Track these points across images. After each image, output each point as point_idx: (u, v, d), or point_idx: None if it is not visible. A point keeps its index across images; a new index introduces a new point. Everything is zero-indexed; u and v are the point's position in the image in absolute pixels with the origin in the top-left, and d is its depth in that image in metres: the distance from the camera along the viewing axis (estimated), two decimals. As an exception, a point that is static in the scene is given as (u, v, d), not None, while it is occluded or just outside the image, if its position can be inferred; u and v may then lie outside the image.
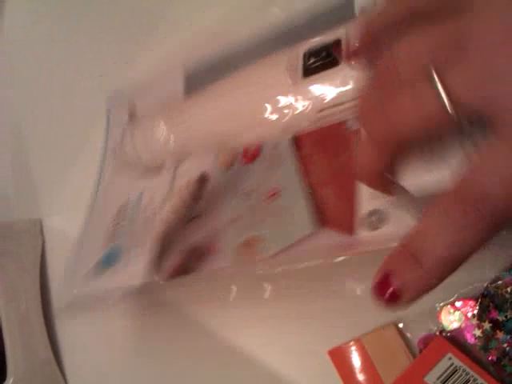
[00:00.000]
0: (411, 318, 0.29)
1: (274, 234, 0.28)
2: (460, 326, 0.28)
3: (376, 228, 0.24)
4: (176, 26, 0.40)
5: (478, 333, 0.27)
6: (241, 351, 0.35)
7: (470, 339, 0.27)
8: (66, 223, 0.45)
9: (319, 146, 0.28)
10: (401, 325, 0.29)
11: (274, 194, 0.28)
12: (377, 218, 0.24)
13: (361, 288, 0.31)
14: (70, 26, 0.50)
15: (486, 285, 0.27)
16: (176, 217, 0.32)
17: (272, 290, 0.34)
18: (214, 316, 0.37)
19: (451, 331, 0.28)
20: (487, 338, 0.27)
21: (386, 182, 0.21)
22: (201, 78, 0.33)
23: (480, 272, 0.27)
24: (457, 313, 0.28)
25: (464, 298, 0.28)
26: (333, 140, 0.27)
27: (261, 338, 0.35)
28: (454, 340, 0.27)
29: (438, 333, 0.28)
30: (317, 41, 0.28)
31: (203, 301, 0.37)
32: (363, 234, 0.25)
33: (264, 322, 0.34)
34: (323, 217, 0.27)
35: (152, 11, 0.43)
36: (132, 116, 0.36)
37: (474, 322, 0.27)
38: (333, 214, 0.26)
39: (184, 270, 0.31)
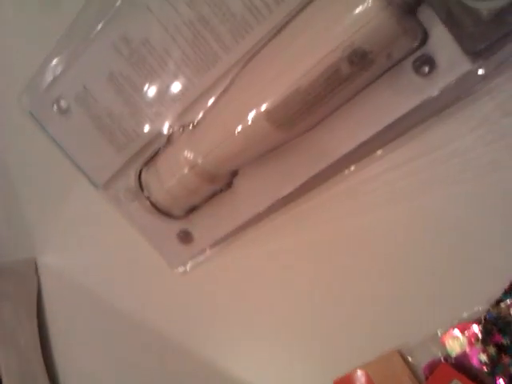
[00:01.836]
0: (415, 344, 0.29)
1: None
2: (465, 351, 0.27)
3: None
4: None
5: (483, 358, 0.27)
6: (243, 381, 0.35)
7: (476, 364, 0.27)
8: (60, 260, 0.45)
9: None
10: (405, 351, 0.29)
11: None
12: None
13: (362, 314, 0.30)
14: None
15: (487, 308, 0.27)
16: None
17: (274, 316, 0.33)
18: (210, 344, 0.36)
19: (456, 356, 0.28)
20: (493, 362, 0.26)
21: None
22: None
23: (481, 295, 0.27)
24: (460, 337, 0.28)
25: (466, 321, 0.27)
26: None
27: (263, 366, 0.34)
28: (460, 365, 0.27)
29: (442, 358, 0.28)
30: None
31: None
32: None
33: (267, 350, 0.34)
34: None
35: None
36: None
37: (479, 346, 0.27)
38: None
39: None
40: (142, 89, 0.28)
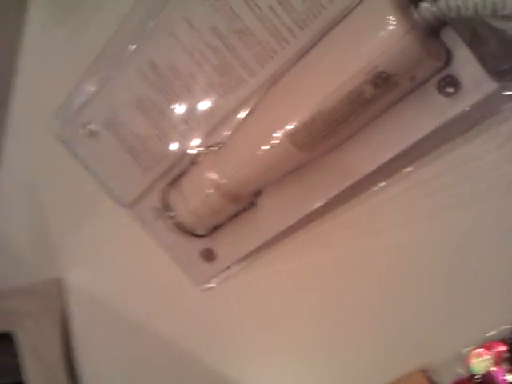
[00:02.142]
0: (438, 364, 0.29)
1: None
2: (489, 371, 0.27)
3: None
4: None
5: (510, 378, 0.26)
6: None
7: (502, 384, 0.26)
8: (86, 279, 0.45)
9: None
10: (428, 371, 0.29)
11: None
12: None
13: (385, 333, 0.30)
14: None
15: (513, 327, 0.27)
16: None
17: (295, 334, 0.33)
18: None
19: (481, 376, 0.27)
20: (520, 383, 0.26)
21: None
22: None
23: (507, 314, 0.27)
24: (486, 357, 0.27)
25: (492, 341, 0.27)
26: None
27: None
28: (486, 385, 0.27)
29: (467, 378, 0.28)
30: None
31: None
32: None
33: (287, 367, 0.34)
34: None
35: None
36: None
37: (505, 366, 0.27)
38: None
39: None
40: (169, 112, 0.29)
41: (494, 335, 0.27)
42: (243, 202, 0.29)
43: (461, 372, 0.28)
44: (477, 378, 0.27)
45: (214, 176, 0.27)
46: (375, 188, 0.28)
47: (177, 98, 0.28)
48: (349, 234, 0.30)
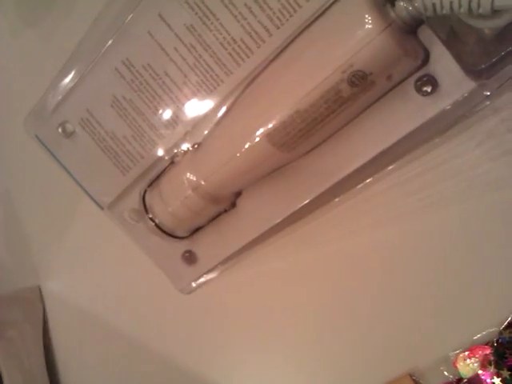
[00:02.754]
0: (426, 367, 0.28)
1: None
2: (477, 374, 0.27)
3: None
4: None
5: (497, 381, 0.26)
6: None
7: (489, 387, 0.26)
8: (65, 285, 0.45)
9: None
10: (416, 374, 0.28)
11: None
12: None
13: (372, 337, 0.30)
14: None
15: (499, 330, 0.26)
16: None
17: (280, 336, 0.33)
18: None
19: (468, 379, 0.27)
20: (507, 386, 0.26)
21: None
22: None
23: (492, 317, 0.26)
24: (473, 360, 0.27)
25: (478, 344, 0.27)
26: None
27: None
28: (473, 389, 0.27)
29: (455, 382, 0.27)
30: None
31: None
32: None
33: (274, 370, 0.34)
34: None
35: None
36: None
37: (492, 369, 0.26)
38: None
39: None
40: (145, 112, 0.28)
41: (481, 338, 0.27)
42: (224, 203, 0.29)
43: (448, 375, 0.27)
44: (464, 381, 0.27)
45: (191, 177, 0.27)
46: (357, 187, 0.28)
47: (153, 98, 0.28)
48: (332, 234, 0.30)
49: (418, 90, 0.23)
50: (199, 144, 0.28)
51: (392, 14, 0.21)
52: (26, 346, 0.40)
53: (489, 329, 0.26)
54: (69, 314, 0.42)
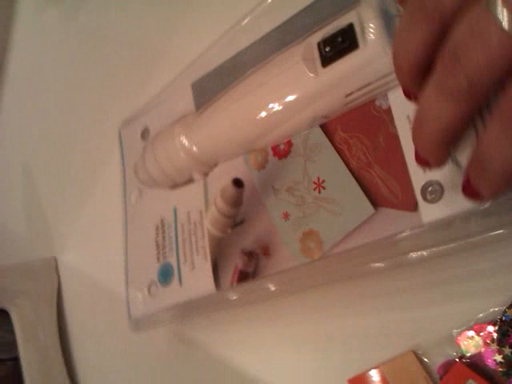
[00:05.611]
0: (429, 345, 0.29)
1: (327, 227, 0.28)
2: (480, 352, 0.27)
3: (437, 200, 0.24)
4: (181, 52, 0.41)
5: (498, 358, 0.26)
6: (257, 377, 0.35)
7: (491, 364, 0.27)
8: (80, 258, 0.45)
9: (353, 129, 0.27)
10: (419, 351, 0.29)
11: (317, 186, 0.28)
12: (434, 190, 0.24)
13: (376, 314, 0.30)
14: (78, 57, 0.50)
15: (503, 309, 0.27)
16: (216, 228, 0.31)
17: (289, 315, 0.34)
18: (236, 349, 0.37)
19: (471, 357, 0.27)
20: (509, 363, 0.26)
21: (444, 152, 0.20)
22: (211, 93, 0.33)
23: (497, 296, 0.27)
24: (476, 338, 0.27)
25: (482, 322, 0.27)
26: (365, 121, 0.27)
27: (278, 364, 0.34)
28: (475, 365, 0.27)
29: (457, 359, 0.28)
30: (328, 29, 0.27)
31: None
32: (424, 205, 0.24)
33: (281, 347, 0.34)
34: (378, 197, 0.26)
35: (157, 42, 0.44)
36: (144, 137, 0.36)
37: (494, 347, 0.27)
38: (387, 193, 0.26)
39: (245, 275, 0.31)
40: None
41: (484, 317, 0.27)
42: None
43: (451, 353, 0.28)
44: (467, 359, 0.27)
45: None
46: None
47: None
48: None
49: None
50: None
51: None
52: (39, 314, 0.41)
53: (493, 308, 0.27)
54: (83, 285, 0.43)
